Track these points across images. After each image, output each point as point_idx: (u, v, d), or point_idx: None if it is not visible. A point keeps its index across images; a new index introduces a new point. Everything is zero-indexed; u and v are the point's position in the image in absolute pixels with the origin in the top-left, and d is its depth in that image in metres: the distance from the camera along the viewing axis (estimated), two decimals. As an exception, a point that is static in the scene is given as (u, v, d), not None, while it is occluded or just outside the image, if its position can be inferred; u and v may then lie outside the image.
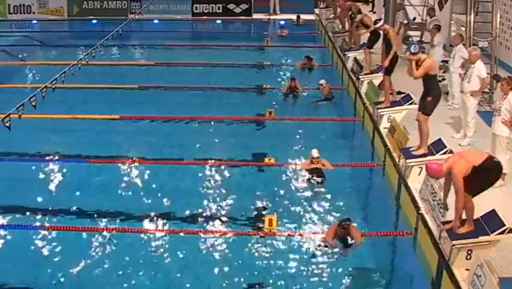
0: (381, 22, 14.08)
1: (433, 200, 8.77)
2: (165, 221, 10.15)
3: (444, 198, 8.28)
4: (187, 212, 10.46)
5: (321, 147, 12.00)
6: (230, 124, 14.78)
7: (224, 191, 11.17)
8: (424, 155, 10.34)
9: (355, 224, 9.43)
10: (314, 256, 9.09)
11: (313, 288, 8.40)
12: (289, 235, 9.60)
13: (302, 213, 10.34)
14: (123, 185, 11.57)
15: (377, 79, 14.93)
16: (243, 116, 15.27)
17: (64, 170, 12.22)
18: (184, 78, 18.70)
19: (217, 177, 11.80)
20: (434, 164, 8.01)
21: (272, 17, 28.73)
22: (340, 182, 11.53)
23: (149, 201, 10.87)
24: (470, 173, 7.69)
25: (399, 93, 13.77)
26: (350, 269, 8.79)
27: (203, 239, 9.56)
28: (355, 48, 18.43)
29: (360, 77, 15.55)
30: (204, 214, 10.38)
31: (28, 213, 10.42)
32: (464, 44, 14.21)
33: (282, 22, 27.46)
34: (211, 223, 10.11)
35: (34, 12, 28.96)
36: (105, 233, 9.72)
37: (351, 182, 11.68)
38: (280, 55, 21.78)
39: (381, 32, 14.69)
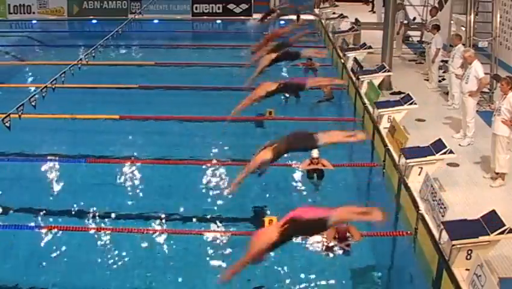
0: None
1: (433, 200, 8.77)
2: (165, 221, 10.15)
3: None
4: (187, 212, 10.45)
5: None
6: (230, 124, 14.74)
7: (224, 191, 11.16)
8: (424, 155, 10.34)
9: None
10: (314, 256, 9.09)
11: (313, 288, 8.40)
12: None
13: (302, 213, 10.32)
14: (123, 185, 11.57)
15: (377, 79, 14.95)
16: (243, 116, 15.24)
17: (64, 170, 12.22)
18: (184, 78, 18.67)
19: (217, 177, 11.81)
20: None
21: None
22: (340, 182, 11.52)
23: (149, 201, 10.87)
24: None
25: (399, 92, 13.78)
26: (350, 269, 8.79)
27: (203, 240, 9.56)
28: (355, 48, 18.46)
29: (360, 77, 15.55)
30: (204, 214, 10.37)
31: (27, 213, 10.42)
32: (463, 44, 14.24)
33: (282, 22, 27.42)
34: (211, 223, 10.11)
35: (34, 12, 28.93)
36: (104, 233, 9.72)
37: (351, 182, 11.68)
38: (280, 55, 21.69)
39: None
